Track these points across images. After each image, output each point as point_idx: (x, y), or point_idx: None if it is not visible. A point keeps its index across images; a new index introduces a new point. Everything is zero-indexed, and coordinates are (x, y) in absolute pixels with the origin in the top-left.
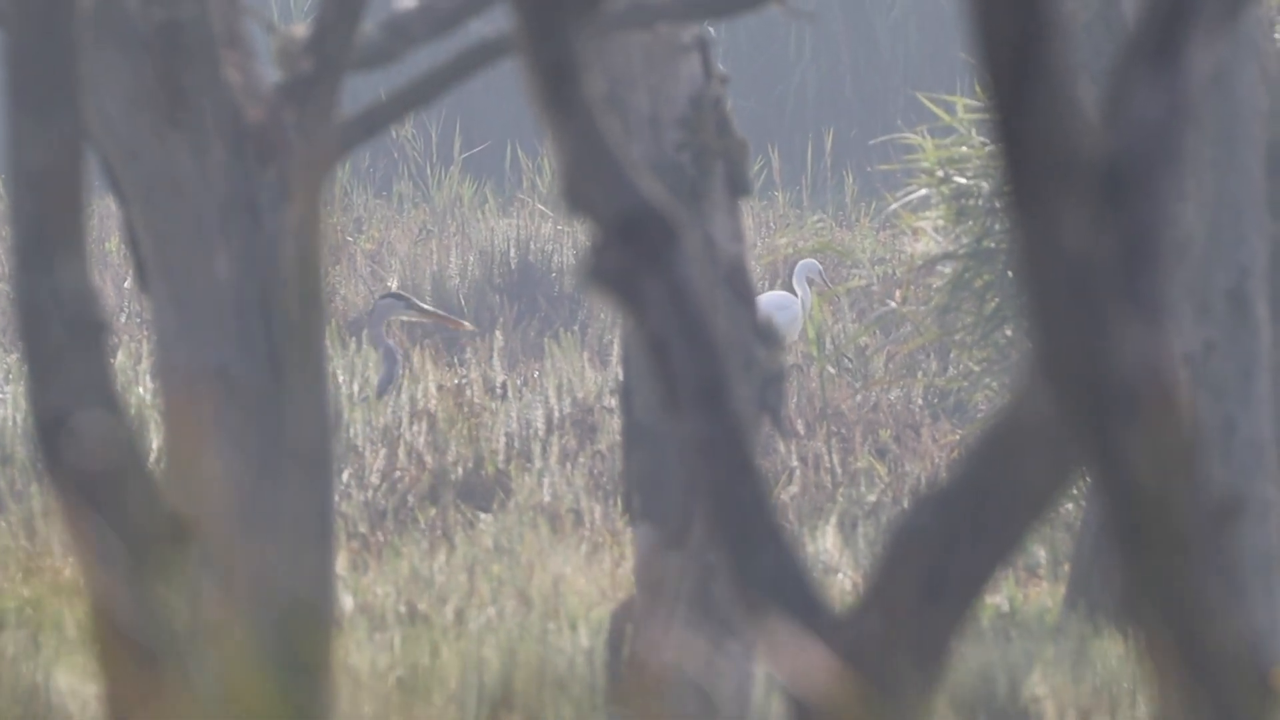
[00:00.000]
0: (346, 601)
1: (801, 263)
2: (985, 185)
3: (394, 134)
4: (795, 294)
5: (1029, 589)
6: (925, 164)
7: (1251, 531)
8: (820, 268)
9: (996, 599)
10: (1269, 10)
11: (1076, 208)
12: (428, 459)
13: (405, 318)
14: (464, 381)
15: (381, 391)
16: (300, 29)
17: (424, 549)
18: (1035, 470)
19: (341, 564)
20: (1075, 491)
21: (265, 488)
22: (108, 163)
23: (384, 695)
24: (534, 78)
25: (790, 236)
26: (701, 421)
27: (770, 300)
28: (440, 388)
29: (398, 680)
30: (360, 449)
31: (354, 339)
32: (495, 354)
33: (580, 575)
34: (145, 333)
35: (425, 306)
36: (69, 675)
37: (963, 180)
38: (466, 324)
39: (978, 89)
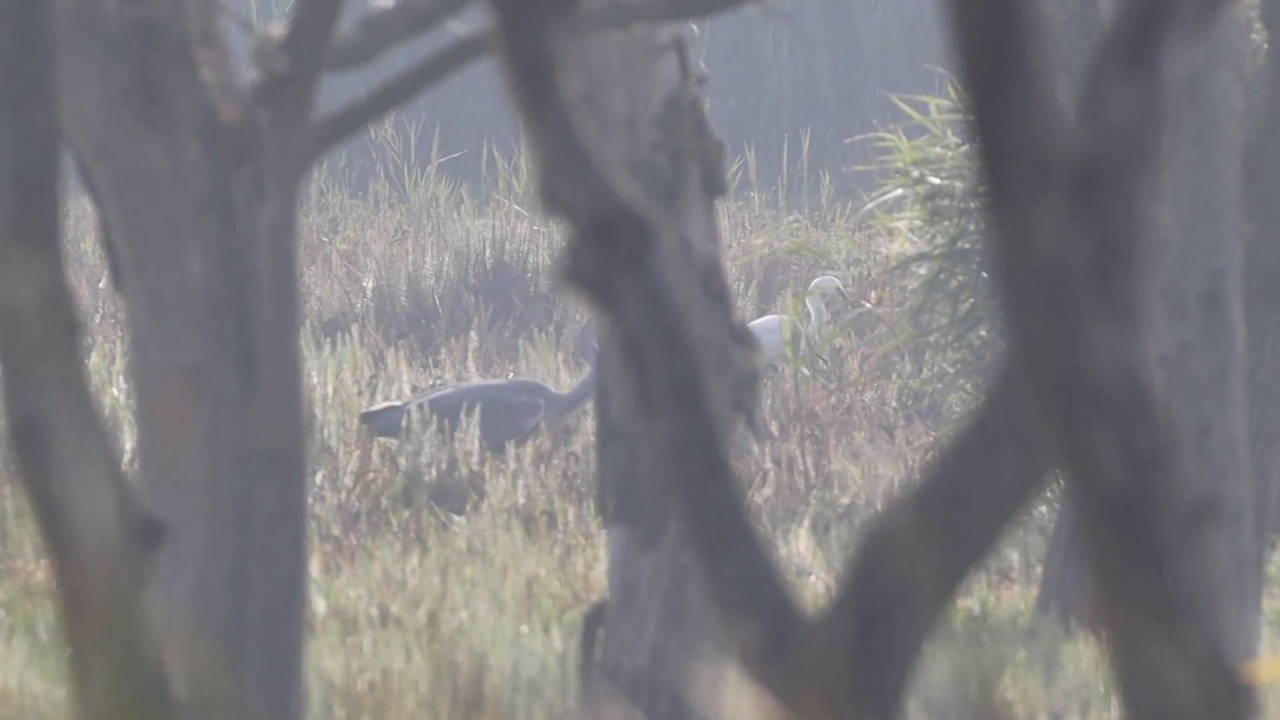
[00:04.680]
0: (318, 604)
1: (818, 280)
2: (960, 186)
3: (371, 134)
4: (809, 312)
5: (1001, 592)
6: (900, 164)
7: (1225, 533)
8: (838, 284)
9: (969, 602)
10: (1244, 12)
11: (1051, 208)
12: (401, 461)
13: None
14: (438, 382)
15: (574, 404)
16: (277, 28)
17: (397, 551)
18: (1009, 473)
19: (314, 566)
20: (1049, 494)
21: (238, 488)
22: (83, 162)
23: (356, 699)
24: (510, 77)
25: (766, 237)
26: (676, 423)
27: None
28: (415, 389)
29: (369, 683)
30: (334, 450)
31: (329, 340)
32: (470, 355)
33: (553, 578)
34: (120, 334)
35: None
36: (41, 678)
37: (937, 181)
38: None
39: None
